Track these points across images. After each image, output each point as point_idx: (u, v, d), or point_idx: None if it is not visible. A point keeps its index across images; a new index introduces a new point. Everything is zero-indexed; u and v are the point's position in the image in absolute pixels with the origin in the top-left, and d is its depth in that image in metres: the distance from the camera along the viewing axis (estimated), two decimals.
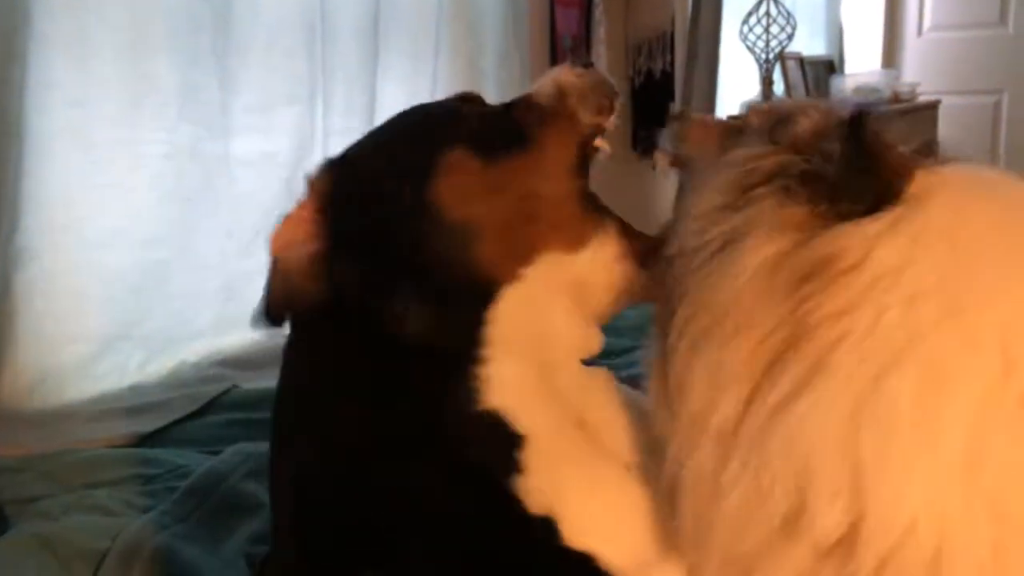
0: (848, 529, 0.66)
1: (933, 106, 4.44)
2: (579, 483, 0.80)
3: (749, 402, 0.72)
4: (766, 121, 0.87)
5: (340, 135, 2.28)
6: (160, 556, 1.14)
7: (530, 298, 0.83)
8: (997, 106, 4.78)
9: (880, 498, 0.65)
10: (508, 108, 0.91)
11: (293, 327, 0.89)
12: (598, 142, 0.92)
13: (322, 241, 0.82)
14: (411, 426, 0.79)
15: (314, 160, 2.18)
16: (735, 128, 0.96)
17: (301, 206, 0.86)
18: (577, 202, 0.88)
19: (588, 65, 0.94)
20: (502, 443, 0.79)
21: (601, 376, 0.89)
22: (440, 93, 2.60)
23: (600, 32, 3.20)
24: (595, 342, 0.89)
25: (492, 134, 0.87)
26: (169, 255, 1.90)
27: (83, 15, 1.71)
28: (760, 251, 0.73)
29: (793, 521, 0.69)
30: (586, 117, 0.90)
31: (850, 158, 0.74)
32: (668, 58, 3.41)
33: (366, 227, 0.83)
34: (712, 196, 0.80)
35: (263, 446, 1.44)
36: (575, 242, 0.85)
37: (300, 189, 2.18)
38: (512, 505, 0.77)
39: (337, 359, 0.83)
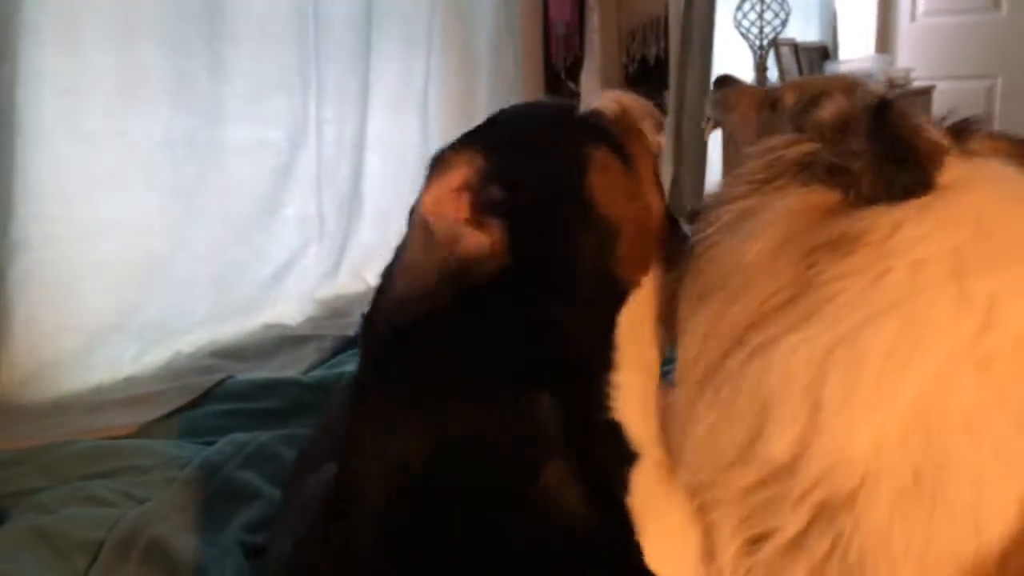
0: (791, 457, 0.74)
1: (927, 91, 4.44)
2: (659, 508, 0.80)
3: (736, 345, 0.78)
4: (797, 102, 0.98)
5: (333, 123, 2.27)
6: (156, 546, 1.15)
7: (642, 307, 0.85)
8: (991, 91, 4.78)
9: (828, 433, 0.73)
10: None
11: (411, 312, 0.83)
12: None
13: (483, 217, 0.81)
14: (541, 425, 0.77)
15: (308, 149, 2.20)
16: (771, 101, 1.06)
17: (448, 177, 0.82)
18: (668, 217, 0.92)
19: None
20: (620, 460, 0.79)
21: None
22: (434, 81, 2.60)
23: (593, 19, 3.19)
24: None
25: (612, 139, 0.89)
26: (163, 245, 1.89)
27: (73, 4, 1.69)
28: (779, 223, 0.79)
29: (747, 448, 0.77)
30: (651, 135, 0.94)
31: (879, 155, 0.77)
32: (662, 44, 3.40)
33: (523, 210, 0.82)
34: (740, 177, 0.85)
35: (258, 436, 1.46)
36: (670, 257, 0.88)
37: (293, 177, 2.16)
38: (628, 523, 0.77)
39: (478, 336, 0.80)
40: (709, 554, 0.81)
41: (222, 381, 1.74)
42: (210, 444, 1.45)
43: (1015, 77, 4.70)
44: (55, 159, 1.68)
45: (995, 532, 0.70)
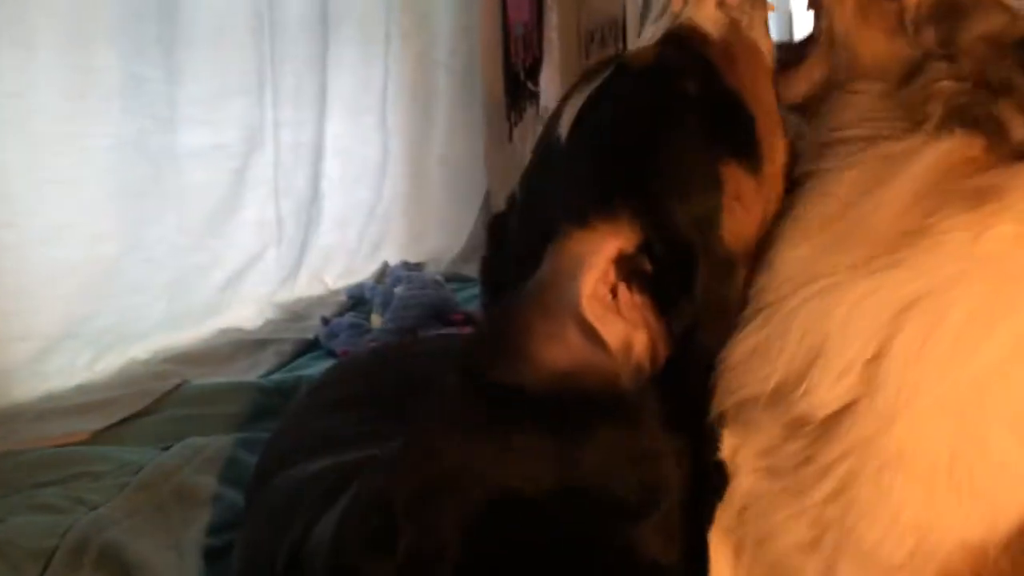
0: (839, 409, 0.69)
1: None
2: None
3: (814, 278, 0.71)
4: (933, 9, 0.81)
5: (291, 126, 2.26)
6: (110, 551, 1.13)
7: None
8: None
9: (887, 388, 0.67)
10: None
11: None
12: None
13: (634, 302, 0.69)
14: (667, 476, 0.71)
15: (264, 152, 2.18)
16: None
17: (602, 247, 0.68)
18: None
19: None
20: (715, 493, 0.73)
21: None
22: (392, 83, 2.59)
23: (552, 19, 3.19)
24: None
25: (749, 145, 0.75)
26: (117, 250, 1.87)
27: (23, 5, 1.67)
28: (919, 176, 0.71)
29: (783, 392, 0.71)
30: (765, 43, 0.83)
31: None
32: (621, 45, 3.41)
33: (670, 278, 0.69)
34: (872, 111, 0.77)
35: (215, 440, 1.44)
36: None
37: (249, 181, 2.15)
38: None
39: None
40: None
41: (178, 386, 1.72)
42: (166, 450, 1.44)
43: None
44: (4, 163, 1.66)
45: (1008, 528, 0.68)
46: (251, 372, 1.89)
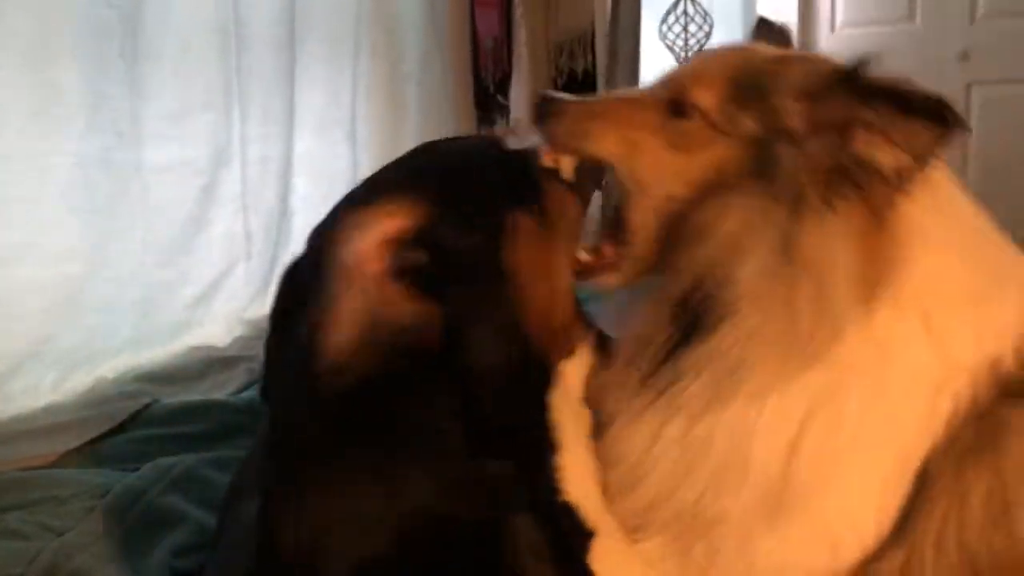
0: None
1: None
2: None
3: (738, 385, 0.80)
4: (735, 102, 0.84)
5: (258, 142, 2.24)
6: None
7: (567, 387, 0.84)
8: None
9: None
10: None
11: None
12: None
13: (407, 282, 0.74)
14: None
15: (232, 168, 2.16)
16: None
17: (376, 227, 0.75)
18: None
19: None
20: (583, 539, 0.79)
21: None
22: (361, 97, 2.58)
23: (521, 33, 3.20)
24: None
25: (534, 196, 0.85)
26: (82, 269, 1.84)
27: None
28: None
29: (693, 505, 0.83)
30: (580, 199, 0.90)
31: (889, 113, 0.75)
32: (590, 58, 3.43)
33: (452, 282, 0.75)
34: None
35: (183, 459, 1.41)
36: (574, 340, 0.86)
37: (217, 197, 2.13)
38: None
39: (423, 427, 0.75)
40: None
41: (147, 406, 1.69)
42: (134, 471, 1.41)
43: (930, 85, 4.84)
44: None
45: (850, 558, 0.78)
46: (222, 390, 1.86)
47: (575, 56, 3.44)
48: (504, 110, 3.13)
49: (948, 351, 0.78)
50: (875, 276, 0.76)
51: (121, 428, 1.63)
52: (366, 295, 0.73)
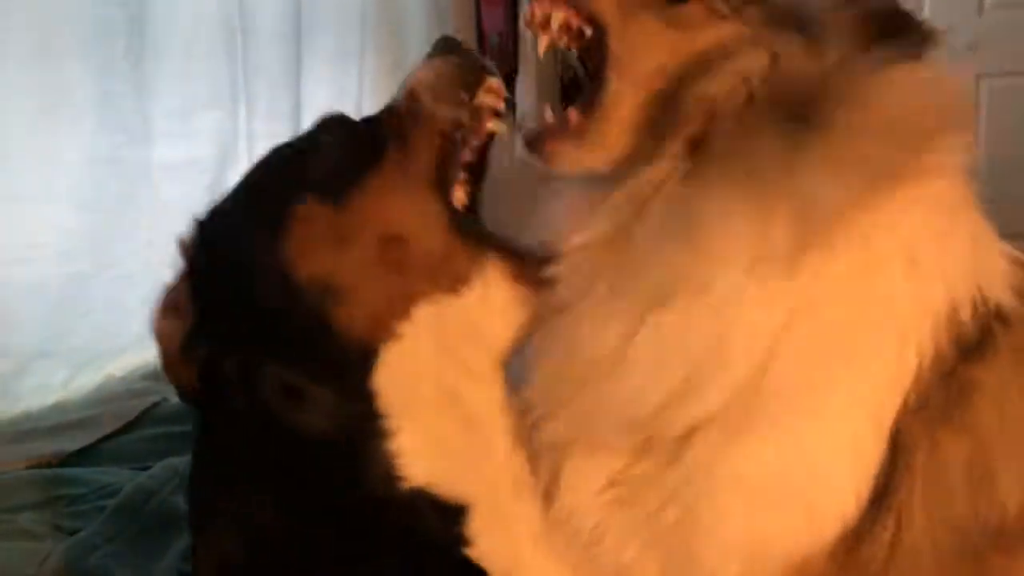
0: (688, 431, 0.74)
1: None
2: (530, 543, 0.77)
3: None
4: None
5: (265, 139, 2.23)
6: None
7: (418, 355, 0.74)
8: None
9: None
10: (368, 124, 0.83)
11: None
12: (491, 125, 0.84)
13: (190, 317, 0.77)
14: (339, 520, 0.72)
15: (239, 166, 2.15)
16: None
17: (177, 276, 0.80)
18: (445, 230, 0.78)
19: (454, 48, 0.86)
20: (446, 521, 0.73)
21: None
22: (367, 94, 2.57)
23: (527, 30, 3.20)
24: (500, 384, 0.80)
25: (345, 169, 0.78)
26: (90, 267, 1.84)
27: None
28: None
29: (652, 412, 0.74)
30: (442, 111, 0.80)
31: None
32: None
33: (225, 296, 0.76)
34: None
35: None
36: (452, 283, 0.76)
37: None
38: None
39: (238, 447, 0.76)
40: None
41: (156, 404, 1.70)
42: (145, 469, 1.41)
43: None
44: None
45: (832, 535, 0.74)
46: None
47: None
48: (510, 107, 3.12)
49: (922, 287, 0.75)
50: (888, 170, 0.73)
51: (130, 427, 1.63)
52: (169, 372, 0.80)
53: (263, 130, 2.22)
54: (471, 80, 0.82)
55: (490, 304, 0.77)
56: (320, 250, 0.74)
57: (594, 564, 0.78)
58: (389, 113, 0.83)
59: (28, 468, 1.45)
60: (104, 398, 1.77)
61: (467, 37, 3.05)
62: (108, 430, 1.61)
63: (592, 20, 0.82)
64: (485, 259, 0.78)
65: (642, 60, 0.80)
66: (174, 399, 1.71)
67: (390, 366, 0.73)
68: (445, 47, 0.85)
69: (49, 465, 1.49)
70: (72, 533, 1.22)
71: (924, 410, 0.73)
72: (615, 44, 0.80)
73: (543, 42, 0.84)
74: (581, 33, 0.82)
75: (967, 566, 0.75)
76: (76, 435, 1.60)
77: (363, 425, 0.72)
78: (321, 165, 0.78)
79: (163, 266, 2.01)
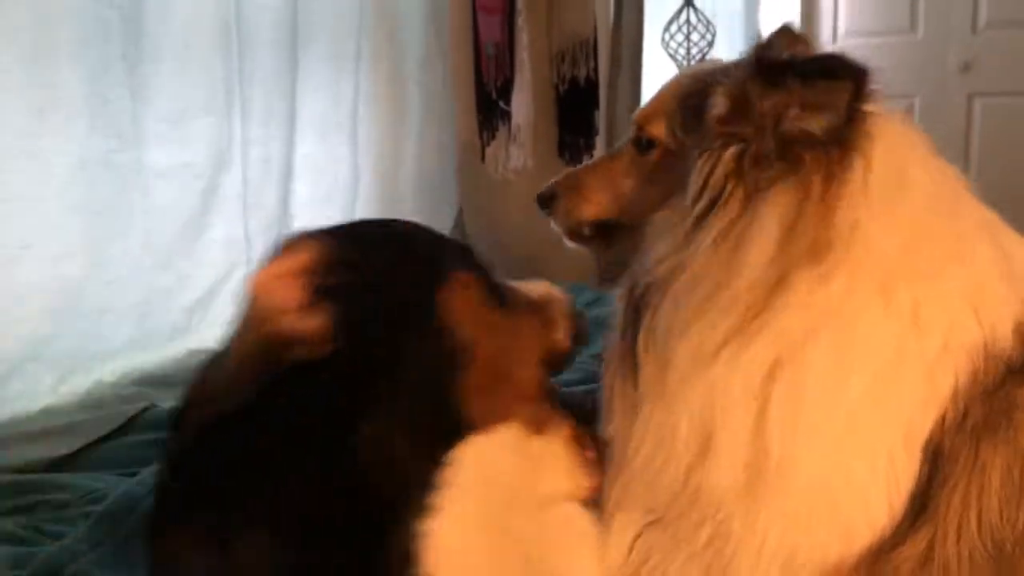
0: (730, 484, 0.81)
1: None
2: None
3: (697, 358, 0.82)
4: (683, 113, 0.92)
5: (259, 144, 2.23)
6: None
7: (489, 457, 0.78)
8: (909, 110, 4.92)
9: (772, 462, 0.80)
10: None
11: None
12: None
13: (325, 311, 0.74)
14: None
15: (233, 171, 2.15)
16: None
17: (286, 263, 0.75)
18: (539, 384, 0.87)
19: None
20: None
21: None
22: (362, 101, 2.57)
23: (523, 39, 3.19)
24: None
25: (491, 280, 0.86)
26: (81, 271, 1.83)
27: None
28: (771, 231, 0.80)
29: (687, 477, 0.82)
30: (554, 331, 0.91)
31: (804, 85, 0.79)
32: (592, 65, 3.41)
33: (356, 297, 0.75)
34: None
35: None
36: (535, 425, 0.84)
37: (218, 200, 2.12)
38: None
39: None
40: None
41: (145, 409, 1.68)
42: (132, 476, 1.39)
43: (932, 97, 4.85)
44: None
45: (860, 545, 0.79)
46: None
47: (577, 63, 3.42)
48: (505, 115, 3.11)
49: (922, 325, 0.80)
50: (816, 242, 0.79)
51: (119, 432, 1.61)
52: (252, 317, 0.74)
53: (257, 136, 2.22)
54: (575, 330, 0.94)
55: (549, 463, 0.87)
56: (471, 316, 0.80)
57: None
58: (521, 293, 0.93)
59: (16, 473, 1.43)
60: (93, 403, 1.75)
61: (464, 45, 3.05)
62: (97, 435, 1.59)
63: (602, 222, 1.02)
64: (557, 425, 0.88)
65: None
66: (163, 405, 1.70)
67: (470, 452, 0.76)
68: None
69: (36, 470, 1.47)
70: (57, 538, 1.20)
71: (965, 423, 0.78)
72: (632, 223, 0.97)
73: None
74: None
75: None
76: (64, 440, 1.58)
77: (415, 485, 0.73)
78: (475, 257, 0.88)
79: (155, 271, 2.02)
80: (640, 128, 0.96)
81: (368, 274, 0.78)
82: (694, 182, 0.83)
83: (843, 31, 5.18)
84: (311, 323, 0.72)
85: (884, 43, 5.01)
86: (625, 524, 0.88)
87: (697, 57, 3.62)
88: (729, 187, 0.81)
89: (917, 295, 0.80)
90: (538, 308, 0.91)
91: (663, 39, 3.65)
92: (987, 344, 0.79)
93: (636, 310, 0.88)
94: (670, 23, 3.64)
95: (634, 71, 3.59)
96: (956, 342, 0.79)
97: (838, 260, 0.78)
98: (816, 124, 0.79)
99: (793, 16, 5.17)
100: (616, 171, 0.99)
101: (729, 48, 4.44)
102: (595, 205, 1.01)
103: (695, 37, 3.61)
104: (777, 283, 0.78)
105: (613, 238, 1.02)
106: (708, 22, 3.64)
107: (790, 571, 0.79)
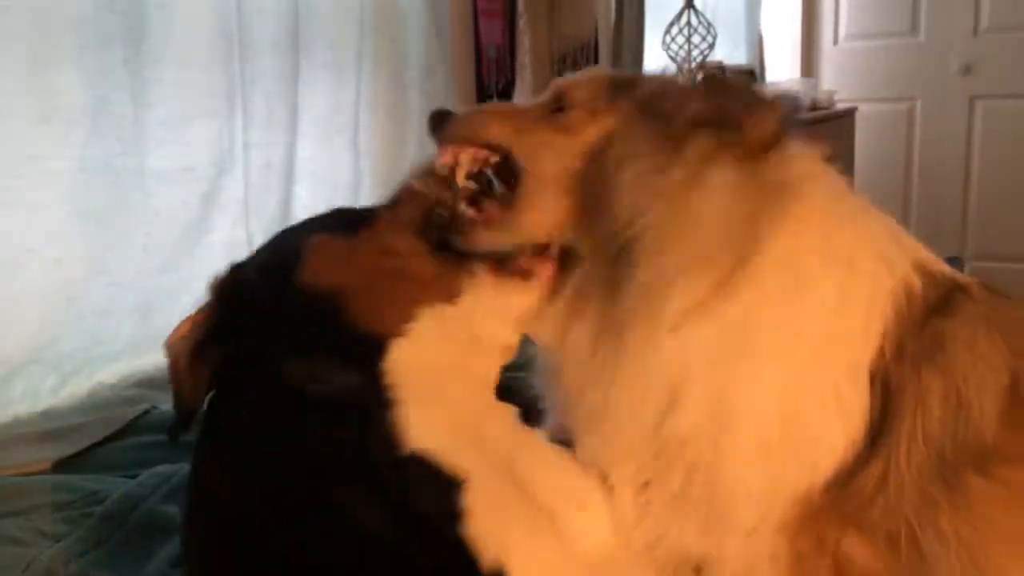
0: (691, 431, 0.90)
1: (850, 113, 4.55)
2: (521, 534, 0.85)
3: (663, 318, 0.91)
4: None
5: (261, 148, 2.23)
6: None
7: (421, 346, 0.92)
8: (911, 112, 4.93)
9: (729, 407, 0.89)
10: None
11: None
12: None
13: (211, 324, 0.96)
14: (342, 477, 0.84)
15: (234, 174, 2.15)
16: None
17: (201, 307, 0.98)
18: (428, 261, 0.99)
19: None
20: (440, 486, 0.83)
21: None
22: (364, 105, 2.57)
23: (524, 42, 3.20)
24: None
25: (351, 221, 1.02)
26: (82, 274, 1.83)
27: None
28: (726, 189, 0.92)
29: (656, 424, 0.90)
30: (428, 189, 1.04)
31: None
32: (592, 67, 3.43)
33: (259, 304, 0.95)
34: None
35: (182, 468, 1.41)
36: (445, 296, 0.96)
37: (219, 203, 2.13)
38: (463, 558, 0.82)
39: (253, 428, 0.91)
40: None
41: (146, 412, 1.69)
42: (132, 478, 1.40)
43: (932, 99, 4.85)
44: None
45: (826, 467, 0.88)
46: None
47: (578, 65, 3.44)
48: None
49: (857, 272, 0.91)
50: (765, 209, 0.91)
51: (120, 434, 1.62)
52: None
53: (258, 140, 2.22)
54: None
55: (483, 305, 0.97)
56: (333, 266, 0.95)
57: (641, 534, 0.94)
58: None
59: (16, 475, 1.44)
60: (94, 405, 1.76)
61: (465, 49, 3.06)
62: (98, 437, 1.60)
63: (493, 147, 1.03)
64: (473, 275, 0.98)
65: (544, 164, 1.00)
66: (164, 407, 1.71)
67: (397, 354, 0.90)
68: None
69: (37, 472, 1.48)
70: (58, 539, 1.21)
71: (905, 357, 0.88)
72: (519, 158, 1.02)
73: (460, 173, 1.04)
74: (488, 158, 1.04)
75: (945, 487, 0.87)
76: (65, 442, 1.59)
77: (372, 396, 0.87)
78: (333, 220, 1.05)
79: (156, 274, 2.03)
80: (562, 93, 1.04)
81: (248, 278, 0.99)
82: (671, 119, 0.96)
83: (844, 34, 5.19)
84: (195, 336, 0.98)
85: (885, 45, 5.02)
86: (622, 481, 0.94)
87: (698, 60, 3.63)
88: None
89: (853, 245, 0.91)
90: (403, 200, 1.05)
91: (664, 42, 3.65)
92: (905, 288, 0.91)
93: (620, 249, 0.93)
94: (671, 26, 3.65)
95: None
96: (880, 286, 0.91)
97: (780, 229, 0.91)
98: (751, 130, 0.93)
99: (794, 18, 5.18)
100: (526, 117, 1.05)
101: (731, 52, 4.45)
102: (501, 131, 1.04)
103: (696, 40, 3.62)
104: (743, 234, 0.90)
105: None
106: (709, 25, 3.65)
107: (770, 501, 0.88)
